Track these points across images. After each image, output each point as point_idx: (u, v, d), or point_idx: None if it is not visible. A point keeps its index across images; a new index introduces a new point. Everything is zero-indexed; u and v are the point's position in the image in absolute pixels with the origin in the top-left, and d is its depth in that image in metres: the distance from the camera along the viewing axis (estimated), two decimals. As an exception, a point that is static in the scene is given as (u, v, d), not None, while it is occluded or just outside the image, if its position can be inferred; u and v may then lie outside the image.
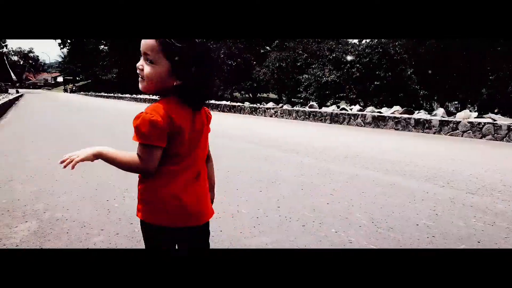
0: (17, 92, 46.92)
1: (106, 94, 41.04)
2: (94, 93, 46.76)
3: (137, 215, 1.19)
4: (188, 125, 1.12)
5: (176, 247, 1.26)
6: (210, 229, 1.35)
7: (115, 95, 37.57)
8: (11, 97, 28.81)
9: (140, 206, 1.17)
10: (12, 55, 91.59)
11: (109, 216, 2.94)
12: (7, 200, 3.33)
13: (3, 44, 70.76)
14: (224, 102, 17.67)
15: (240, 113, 15.70)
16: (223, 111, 16.55)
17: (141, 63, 1.11)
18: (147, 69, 1.09)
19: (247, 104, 16.40)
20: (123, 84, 49.65)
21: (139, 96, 30.45)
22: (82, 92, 52.62)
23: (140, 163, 1.08)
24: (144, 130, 1.05)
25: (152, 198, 1.14)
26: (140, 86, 1.14)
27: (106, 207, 3.16)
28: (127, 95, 33.72)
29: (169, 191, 1.12)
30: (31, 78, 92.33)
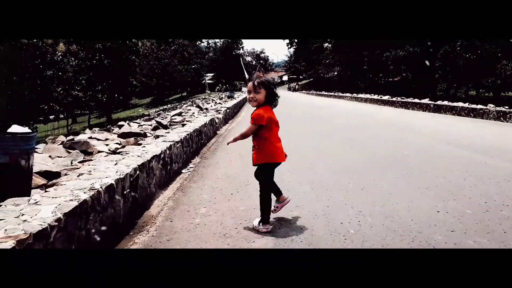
0: (249, 90, 56.94)
1: (326, 93, 44.57)
2: (315, 92, 51.49)
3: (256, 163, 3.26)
4: (272, 116, 3.19)
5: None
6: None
7: (335, 94, 40.37)
8: (244, 95, 35.63)
9: (257, 157, 3.24)
10: (246, 56, 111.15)
11: (345, 245, 2.91)
12: (245, 208, 3.73)
13: (240, 46, 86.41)
14: (460, 104, 16.60)
15: (482, 117, 14.46)
16: (459, 115, 15.60)
17: (252, 95, 3.17)
18: (258, 96, 3.16)
19: (491, 106, 14.92)
20: (343, 82, 52.65)
21: (359, 95, 31.80)
22: (304, 91, 58.89)
23: (248, 132, 3.18)
24: (256, 118, 3.11)
25: (266, 151, 3.21)
26: (252, 104, 3.24)
27: (339, 231, 3.16)
28: (347, 94, 35.73)
29: (269, 147, 3.19)
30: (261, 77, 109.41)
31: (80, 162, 5.19)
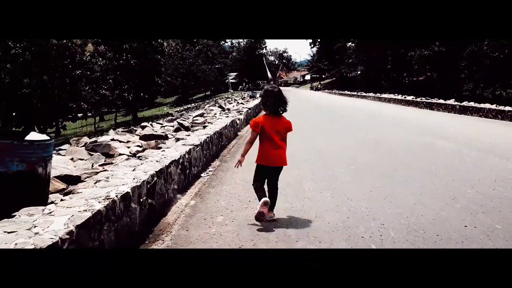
0: (272, 90, 56.75)
1: (349, 92, 43.88)
2: (337, 91, 50.82)
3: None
4: (269, 125, 3.51)
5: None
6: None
7: (358, 93, 39.70)
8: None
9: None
10: (269, 55, 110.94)
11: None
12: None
13: (263, 46, 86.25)
14: (488, 106, 15.96)
15: (510, 120, 13.87)
16: (486, 117, 15.01)
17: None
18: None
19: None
20: (366, 82, 51.76)
21: (383, 95, 31.15)
22: (326, 90, 58.25)
23: (250, 138, 3.58)
24: (251, 125, 3.57)
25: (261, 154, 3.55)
26: (264, 111, 3.63)
27: (360, 246, 2.99)
28: (370, 94, 35.06)
29: (262, 150, 3.54)
30: (283, 76, 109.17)
31: (100, 165, 5.18)
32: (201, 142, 5.93)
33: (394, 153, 6.94)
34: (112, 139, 6.85)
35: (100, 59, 36.06)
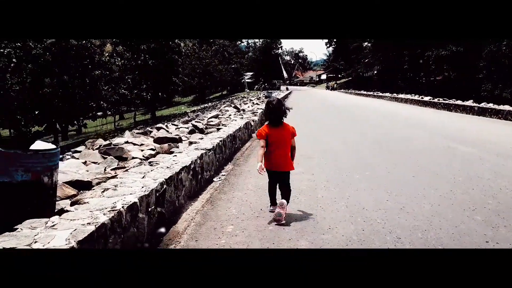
0: (287, 89, 56.49)
1: (365, 92, 43.27)
2: (353, 91, 50.19)
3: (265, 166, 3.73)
4: (274, 133, 3.70)
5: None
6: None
7: (375, 93, 39.09)
8: (282, 94, 35.23)
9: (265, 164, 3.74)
10: (285, 55, 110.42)
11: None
12: (273, 228, 3.55)
13: (279, 46, 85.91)
14: (507, 108, 15.43)
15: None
16: (506, 119, 14.51)
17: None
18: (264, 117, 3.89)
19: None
20: (382, 81, 50.97)
21: (399, 96, 30.58)
22: (342, 90, 57.63)
23: (260, 146, 3.71)
24: (258, 135, 3.76)
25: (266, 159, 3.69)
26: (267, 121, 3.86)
27: None
28: (386, 94, 34.49)
29: (268, 157, 3.70)
30: (299, 76, 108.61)
31: (113, 169, 5.11)
32: (213, 146, 5.81)
33: (411, 157, 6.68)
34: (127, 142, 6.81)
35: (119, 59, 36.38)
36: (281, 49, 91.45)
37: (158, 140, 6.93)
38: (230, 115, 12.65)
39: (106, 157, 5.67)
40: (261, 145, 3.74)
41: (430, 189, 4.68)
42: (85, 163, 5.43)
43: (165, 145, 6.10)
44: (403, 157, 6.72)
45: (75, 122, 32.21)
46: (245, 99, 33.09)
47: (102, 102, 32.92)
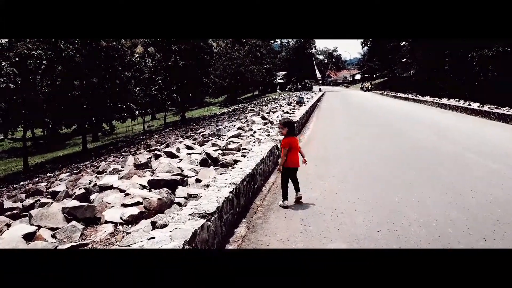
0: (320, 90, 54.09)
1: (403, 95, 40.27)
2: (389, 93, 47.11)
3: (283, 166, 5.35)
4: (292, 142, 5.32)
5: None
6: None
7: (413, 96, 36.12)
8: (315, 97, 33.04)
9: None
10: (318, 55, 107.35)
11: None
12: None
13: (312, 45, 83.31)
14: None
15: None
16: None
17: (280, 130, 5.51)
18: (283, 131, 5.36)
19: None
20: (421, 83, 47.51)
21: (442, 101, 27.70)
22: (377, 91, 54.38)
23: (283, 156, 5.28)
24: (283, 144, 5.32)
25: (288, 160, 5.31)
26: (280, 134, 5.92)
27: None
28: (427, 98, 31.61)
29: (290, 159, 5.29)
30: (332, 75, 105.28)
31: (68, 248, 3.43)
32: (218, 207, 4.03)
33: (471, 198, 4.63)
34: (111, 187, 5.16)
35: (150, 60, 35.43)
36: (315, 49, 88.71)
37: (152, 183, 5.24)
38: (255, 132, 10.84)
39: (71, 221, 4.01)
40: (285, 153, 5.22)
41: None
42: (35, 232, 3.79)
43: (155, 201, 4.36)
44: (457, 193, 4.66)
45: (104, 124, 31.46)
46: (276, 103, 31.23)
47: (130, 104, 31.98)
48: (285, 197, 5.23)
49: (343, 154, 8.70)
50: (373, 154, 8.59)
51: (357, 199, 5.31)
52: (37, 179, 18.89)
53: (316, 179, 6.42)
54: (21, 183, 18.71)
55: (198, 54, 37.96)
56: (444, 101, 27.72)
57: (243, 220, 4.78)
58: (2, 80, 22.96)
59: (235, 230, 4.46)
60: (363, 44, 73.89)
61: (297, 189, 5.28)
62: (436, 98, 30.54)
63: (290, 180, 5.28)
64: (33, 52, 24.67)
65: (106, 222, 4.04)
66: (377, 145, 9.93)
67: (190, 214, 3.75)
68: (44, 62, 25.69)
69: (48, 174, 19.85)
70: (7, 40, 24.37)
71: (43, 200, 5.75)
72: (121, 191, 5.03)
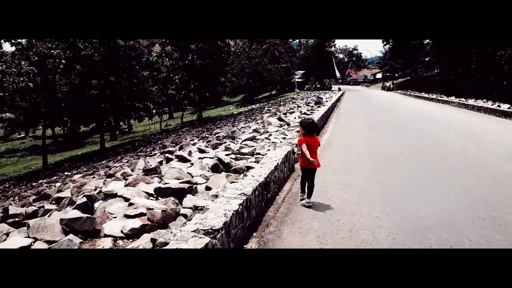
0: (339, 89, 53.21)
1: (426, 95, 39.09)
2: (412, 92, 45.90)
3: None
4: (310, 141, 5.18)
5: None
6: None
7: (438, 97, 34.98)
8: (334, 97, 32.40)
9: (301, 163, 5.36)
10: (338, 53, 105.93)
11: None
12: None
13: (332, 44, 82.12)
14: None
15: None
16: None
17: (299, 129, 6.05)
18: (302, 131, 5.29)
19: None
20: (444, 82, 46.14)
21: (469, 102, 26.67)
22: (399, 91, 53.07)
23: (302, 152, 5.14)
24: (299, 142, 5.27)
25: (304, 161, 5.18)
26: (303, 134, 5.35)
27: None
28: (452, 99, 30.54)
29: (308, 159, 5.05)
30: (352, 74, 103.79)
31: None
32: (226, 222, 3.70)
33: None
34: (115, 196, 4.90)
35: (167, 59, 35.46)
36: (334, 47, 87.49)
37: (159, 191, 4.95)
38: (270, 133, 10.49)
39: (68, 233, 3.75)
40: (305, 147, 5.07)
41: None
42: (30, 245, 3.54)
43: (159, 213, 4.06)
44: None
45: (121, 123, 31.62)
46: (294, 102, 30.77)
47: (148, 103, 32.01)
48: (302, 190, 5.37)
49: (364, 161, 8.23)
50: (398, 162, 8.06)
51: (379, 213, 4.89)
52: (55, 177, 19.03)
53: (335, 189, 6.02)
54: (39, 181, 18.89)
55: (216, 53, 37.82)
56: (471, 102, 26.68)
57: (254, 234, 4.43)
58: (22, 79, 23.30)
59: (245, 246, 4.12)
60: (384, 43, 72.44)
61: (308, 194, 5.23)
62: (462, 99, 29.46)
63: (306, 182, 5.24)
64: (52, 51, 24.93)
65: (105, 235, 3.76)
66: (402, 151, 9.35)
67: (194, 231, 3.43)
68: (63, 61, 25.94)
69: (65, 173, 19.98)
70: (27, 40, 24.67)
71: (47, 206, 5.55)
72: (126, 199, 4.76)
